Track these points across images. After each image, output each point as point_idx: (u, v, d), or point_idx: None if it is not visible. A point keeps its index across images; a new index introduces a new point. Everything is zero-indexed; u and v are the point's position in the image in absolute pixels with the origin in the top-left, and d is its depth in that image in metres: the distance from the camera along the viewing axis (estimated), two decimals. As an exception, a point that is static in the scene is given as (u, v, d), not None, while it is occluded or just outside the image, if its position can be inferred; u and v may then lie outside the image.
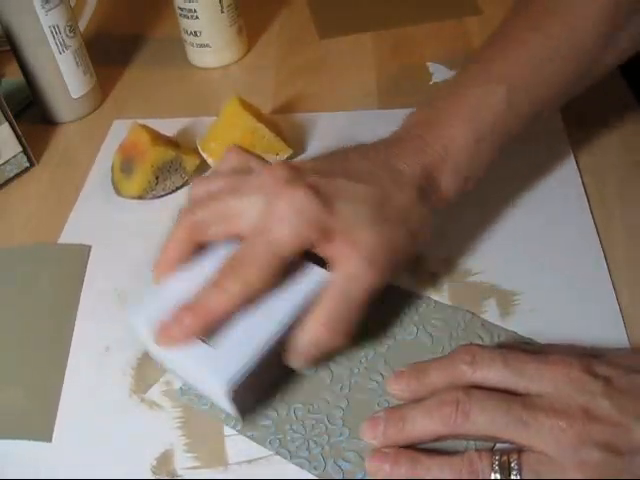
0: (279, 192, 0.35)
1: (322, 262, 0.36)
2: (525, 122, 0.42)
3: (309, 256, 0.36)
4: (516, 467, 0.30)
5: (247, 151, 0.41)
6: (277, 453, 0.35)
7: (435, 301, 0.41)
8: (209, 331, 0.34)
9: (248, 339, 0.34)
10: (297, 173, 0.36)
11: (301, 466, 0.35)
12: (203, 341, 0.34)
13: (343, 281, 0.35)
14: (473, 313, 0.40)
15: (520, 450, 0.31)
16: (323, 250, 0.36)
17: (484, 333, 0.39)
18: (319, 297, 0.35)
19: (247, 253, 0.34)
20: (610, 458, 0.30)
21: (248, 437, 0.36)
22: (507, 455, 0.31)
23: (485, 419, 0.31)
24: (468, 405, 0.32)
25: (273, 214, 0.35)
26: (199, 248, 0.37)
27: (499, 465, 0.31)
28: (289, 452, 0.35)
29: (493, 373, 0.33)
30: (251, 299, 0.34)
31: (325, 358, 0.38)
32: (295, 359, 0.36)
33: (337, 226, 0.35)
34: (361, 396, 0.37)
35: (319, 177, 0.36)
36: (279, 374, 0.38)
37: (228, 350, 0.34)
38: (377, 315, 0.41)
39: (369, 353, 0.39)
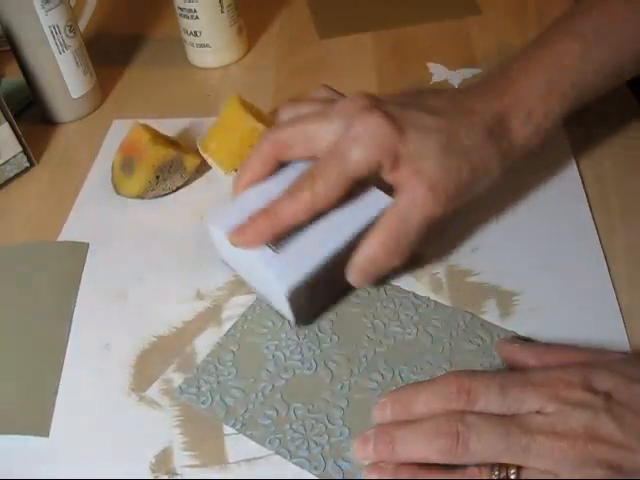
0: (356, 116, 0.38)
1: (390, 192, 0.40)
2: (604, 77, 0.43)
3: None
4: (515, 479, 0.30)
5: (335, 90, 0.44)
6: (277, 453, 0.35)
7: (435, 301, 0.41)
8: (279, 235, 0.38)
9: (311, 250, 0.38)
10: (376, 102, 0.39)
11: (301, 466, 0.35)
12: (271, 248, 0.38)
13: (404, 205, 0.38)
14: (473, 313, 0.40)
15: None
16: (389, 176, 0.38)
17: (484, 333, 0.39)
18: (380, 219, 0.38)
19: (320, 168, 0.38)
20: (613, 476, 0.29)
21: (248, 436, 0.36)
22: (506, 469, 0.30)
23: (485, 447, 0.30)
24: (467, 435, 0.30)
25: (348, 135, 0.38)
26: (278, 167, 0.41)
27: (498, 479, 0.30)
28: (289, 452, 0.35)
29: (492, 405, 0.31)
30: (317, 210, 0.38)
31: (380, 280, 0.41)
32: (353, 275, 0.39)
33: (405, 153, 0.38)
34: (361, 396, 0.37)
35: (395, 106, 0.39)
36: (338, 291, 0.41)
37: (292, 257, 0.38)
38: (377, 315, 0.41)
39: (369, 353, 0.39)
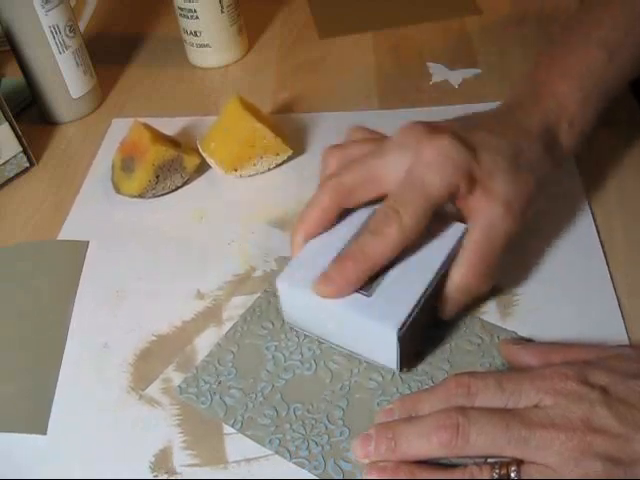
0: (424, 143, 0.36)
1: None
2: (625, 80, 0.45)
3: None
4: (516, 477, 0.30)
5: (368, 128, 0.43)
6: (277, 453, 0.35)
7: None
8: (368, 278, 0.36)
9: (405, 287, 0.36)
10: (434, 127, 0.38)
11: (301, 466, 0.35)
12: (361, 294, 0.36)
13: (484, 228, 0.37)
14: (473, 314, 0.40)
15: (520, 460, 0.31)
16: (462, 201, 0.37)
17: (484, 333, 0.39)
18: (463, 246, 0.37)
19: (402, 200, 0.36)
20: (611, 468, 0.29)
21: (247, 436, 0.36)
22: (506, 467, 0.31)
23: (485, 440, 0.30)
24: (467, 427, 0.31)
25: (422, 162, 0.36)
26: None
27: (499, 477, 0.30)
28: (289, 452, 0.35)
29: (490, 400, 0.32)
30: (406, 244, 0.36)
31: (471, 305, 0.40)
32: (447, 306, 0.38)
33: (479, 174, 0.37)
34: (361, 396, 0.37)
35: (458, 129, 0.38)
36: (428, 326, 0.39)
37: (388, 298, 0.35)
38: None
39: (369, 353, 0.39)
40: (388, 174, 0.37)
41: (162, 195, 0.51)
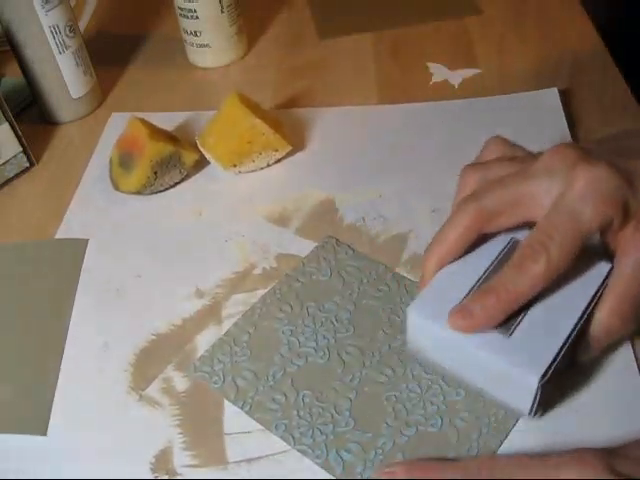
0: (577, 170, 0.33)
1: None
2: None
3: None
4: None
5: (508, 141, 0.39)
6: (281, 438, 0.35)
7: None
8: (507, 316, 0.33)
9: (549, 331, 0.33)
10: (586, 152, 0.34)
11: (303, 453, 0.35)
12: (499, 332, 0.33)
13: (635, 266, 0.34)
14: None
15: None
16: (612, 235, 0.34)
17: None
18: (609, 284, 0.34)
19: (551, 232, 0.33)
20: None
21: (255, 419, 0.36)
22: None
23: None
24: None
25: (574, 191, 0.33)
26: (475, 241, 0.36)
27: None
28: (293, 438, 0.35)
29: None
30: (551, 281, 0.33)
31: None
32: (589, 350, 0.35)
33: (635, 207, 0.33)
34: (370, 389, 0.37)
35: (612, 155, 0.34)
36: (566, 369, 0.36)
37: (530, 342, 0.33)
38: (395, 310, 0.41)
39: (383, 347, 0.39)
40: (536, 200, 0.34)
41: (161, 191, 0.50)
